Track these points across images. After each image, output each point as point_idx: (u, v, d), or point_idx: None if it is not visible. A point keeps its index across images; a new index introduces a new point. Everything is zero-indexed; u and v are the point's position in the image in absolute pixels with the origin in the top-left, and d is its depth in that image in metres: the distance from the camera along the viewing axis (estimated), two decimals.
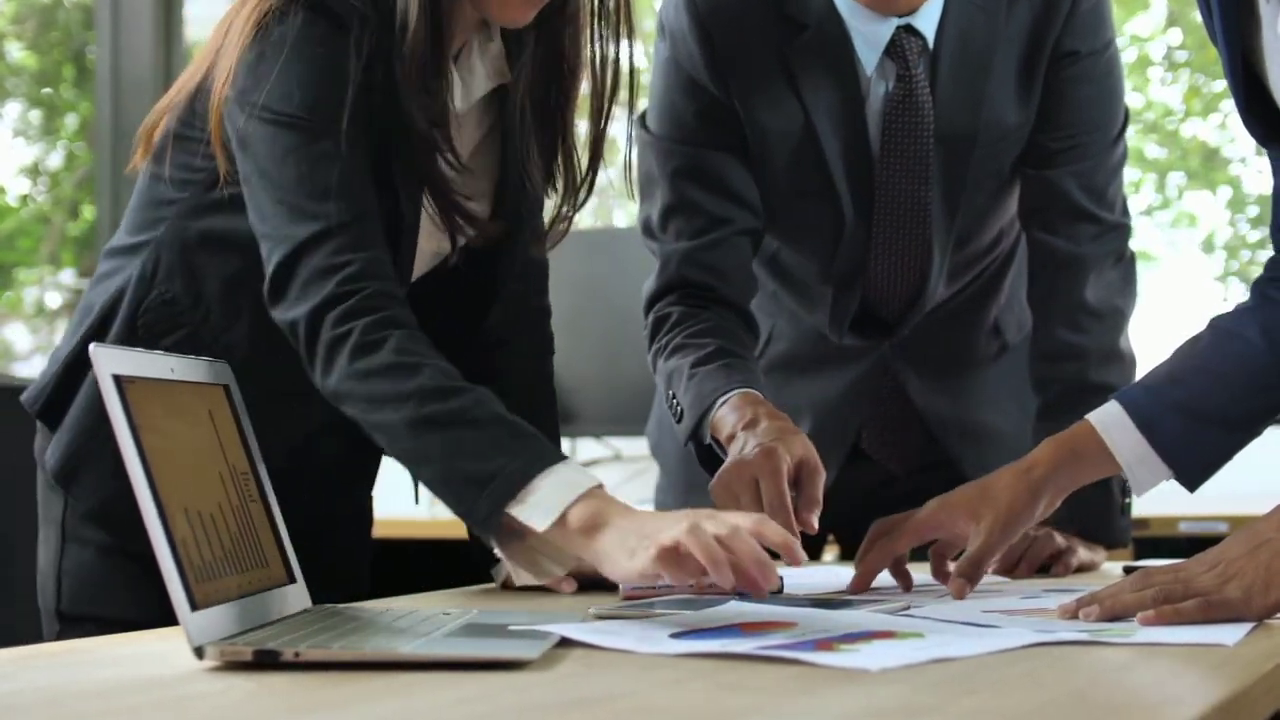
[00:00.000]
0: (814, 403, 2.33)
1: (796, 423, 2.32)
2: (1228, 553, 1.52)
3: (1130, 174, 4.61)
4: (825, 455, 2.30)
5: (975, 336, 2.38)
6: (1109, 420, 1.87)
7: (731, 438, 1.96)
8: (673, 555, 1.45)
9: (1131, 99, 4.71)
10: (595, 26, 1.93)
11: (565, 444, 4.30)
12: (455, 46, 1.91)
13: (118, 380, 1.33)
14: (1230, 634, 1.39)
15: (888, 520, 1.89)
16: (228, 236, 1.87)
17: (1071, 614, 1.54)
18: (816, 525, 1.86)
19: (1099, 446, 1.87)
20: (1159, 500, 3.22)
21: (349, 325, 1.66)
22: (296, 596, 1.58)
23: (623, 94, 1.95)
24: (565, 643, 1.39)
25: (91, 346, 1.34)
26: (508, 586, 2.02)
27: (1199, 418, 1.86)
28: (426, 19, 1.79)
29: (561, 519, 1.53)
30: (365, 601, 1.80)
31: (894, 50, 2.13)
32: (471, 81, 1.92)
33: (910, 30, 2.13)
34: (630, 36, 1.94)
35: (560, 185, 2.00)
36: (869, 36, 2.12)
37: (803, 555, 1.47)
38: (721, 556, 1.43)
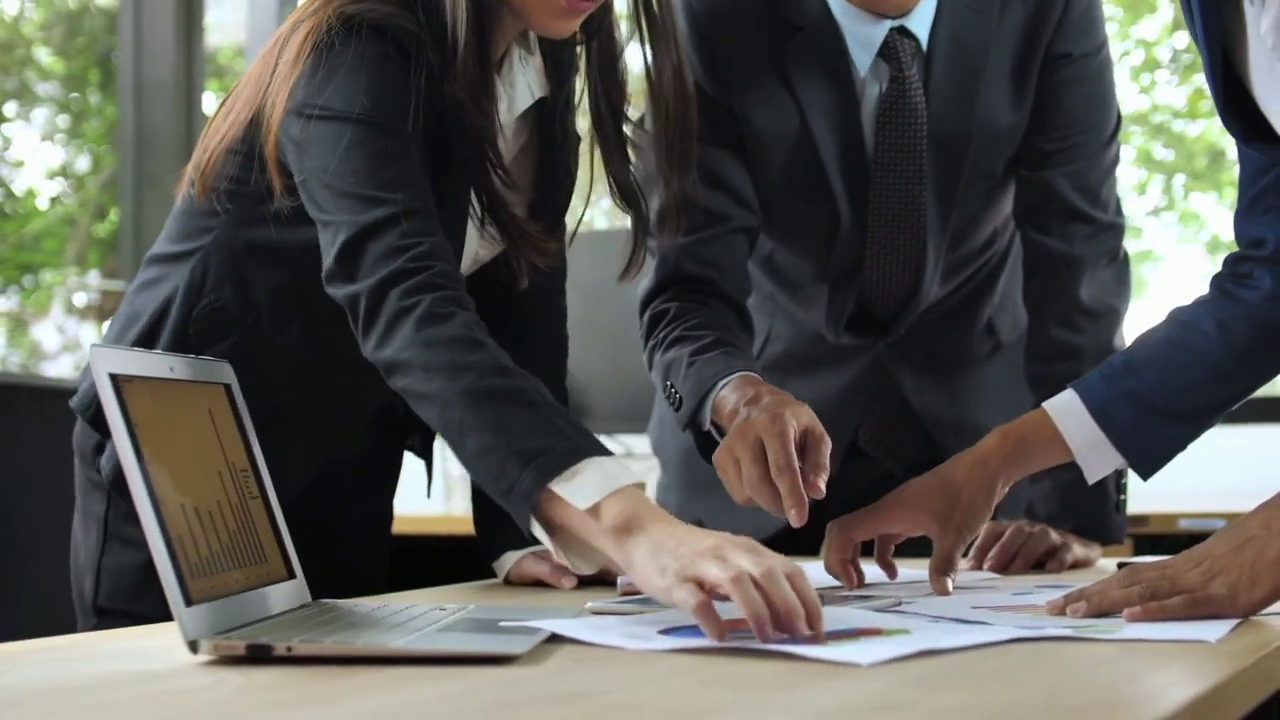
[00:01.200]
0: (811, 402, 2.28)
1: None
2: (1214, 550, 1.51)
3: (1137, 175, 4.60)
4: None
5: (969, 336, 2.37)
6: (1063, 408, 1.88)
7: (734, 414, 1.91)
8: (708, 597, 1.36)
9: (1138, 101, 4.70)
10: (644, 35, 1.92)
11: None
12: (497, 55, 1.90)
13: (114, 379, 1.33)
14: (1213, 630, 1.38)
15: (842, 519, 1.89)
16: (277, 248, 1.87)
17: (1059, 610, 1.53)
18: (824, 490, 1.80)
19: (1051, 434, 1.87)
20: (1159, 497, 3.23)
21: (418, 297, 1.64)
22: (296, 592, 1.57)
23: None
24: (558, 639, 1.39)
25: (90, 346, 1.33)
26: (511, 581, 2.02)
27: (1151, 407, 1.86)
28: (474, 36, 1.79)
29: (597, 511, 1.48)
30: (365, 597, 1.80)
31: (887, 52, 2.12)
32: (513, 94, 1.92)
33: (903, 32, 2.11)
34: (676, 41, 1.93)
35: (631, 207, 2.01)
36: (862, 38, 2.11)
37: (822, 626, 1.34)
38: (765, 614, 1.33)
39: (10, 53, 5.26)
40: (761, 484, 1.79)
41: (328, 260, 1.71)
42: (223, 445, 1.52)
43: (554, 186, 1.99)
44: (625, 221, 2.10)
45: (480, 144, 1.82)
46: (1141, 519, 2.96)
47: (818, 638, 1.32)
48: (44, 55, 5.33)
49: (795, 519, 1.76)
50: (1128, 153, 4.46)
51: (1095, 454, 1.87)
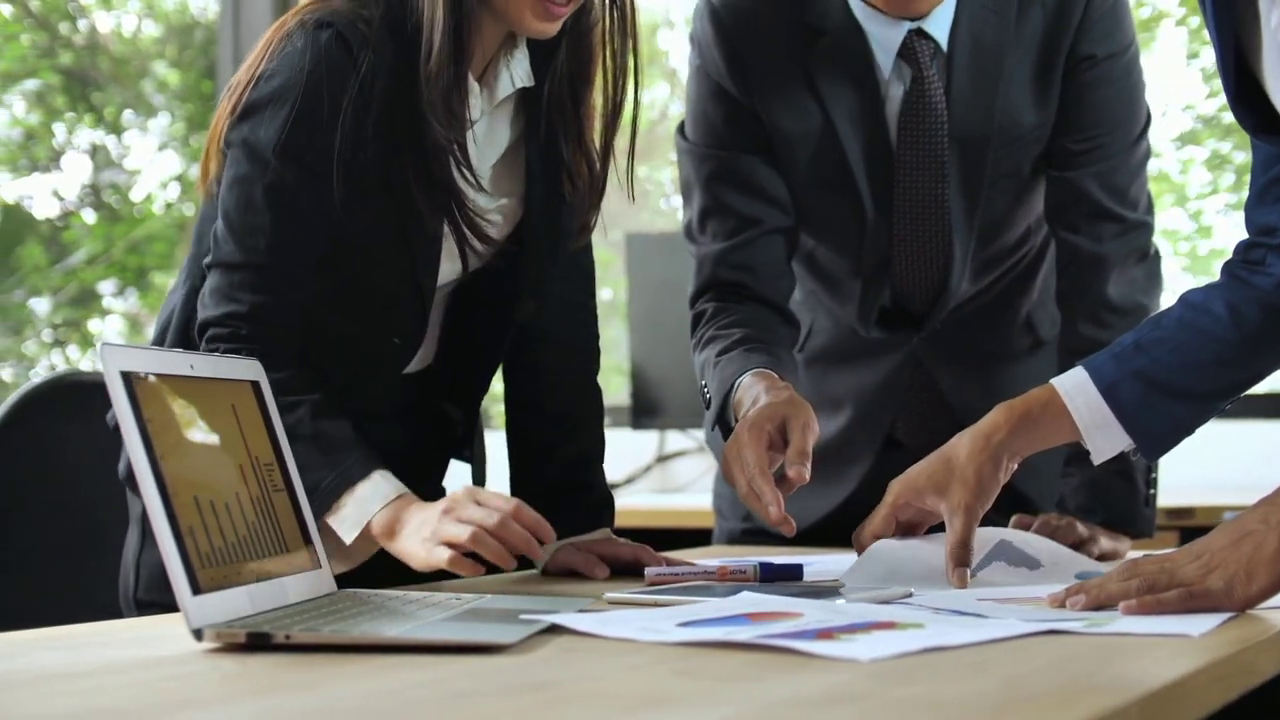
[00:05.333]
0: (851, 394, 2.30)
1: (837, 413, 2.29)
2: (1212, 544, 1.47)
3: (1208, 175, 4.51)
4: (862, 445, 2.29)
5: (1006, 332, 2.33)
6: (1072, 385, 1.81)
7: (744, 417, 1.95)
8: (459, 553, 1.68)
9: (1209, 104, 4.60)
10: (607, 30, 1.93)
11: (652, 436, 4.28)
12: (482, 65, 1.90)
13: (126, 376, 1.33)
14: (1198, 625, 1.34)
15: (860, 528, 1.85)
16: None
17: (1059, 603, 1.50)
18: (807, 475, 1.83)
19: (1059, 411, 1.81)
20: (1203, 490, 3.16)
21: (215, 346, 1.79)
22: (319, 582, 1.56)
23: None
24: (560, 629, 1.37)
25: (101, 344, 1.33)
26: (547, 572, 2.00)
27: (1160, 387, 1.80)
28: (449, 39, 1.79)
29: (367, 529, 1.73)
30: (417, 584, 1.80)
31: (907, 53, 2.10)
32: (497, 88, 1.91)
33: (922, 34, 2.09)
34: (636, 39, 1.93)
35: (584, 187, 1.99)
36: (882, 40, 2.10)
37: (552, 533, 1.71)
38: (509, 558, 1.68)
39: (126, 66, 5.33)
40: (748, 496, 1.86)
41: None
42: (246, 439, 1.51)
43: (550, 180, 1.97)
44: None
45: (446, 144, 1.82)
46: (1186, 511, 2.89)
47: (548, 541, 1.71)
48: (161, 68, 5.40)
49: (785, 531, 1.83)
50: (1200, 154, 4.38)
51: (1102, 433, 1.80)
